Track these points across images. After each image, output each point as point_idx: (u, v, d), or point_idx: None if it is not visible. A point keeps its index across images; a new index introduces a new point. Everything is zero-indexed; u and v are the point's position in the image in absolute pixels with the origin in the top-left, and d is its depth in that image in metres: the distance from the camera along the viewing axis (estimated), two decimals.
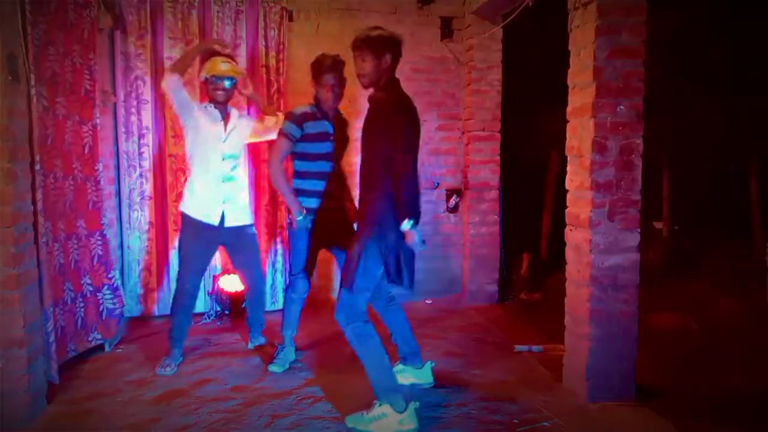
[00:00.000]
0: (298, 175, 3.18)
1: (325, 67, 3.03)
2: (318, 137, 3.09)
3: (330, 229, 3.20)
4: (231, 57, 3.39)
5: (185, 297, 3.30)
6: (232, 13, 4.25)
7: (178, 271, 3.35)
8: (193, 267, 3.32)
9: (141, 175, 4.19)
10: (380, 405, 2.57)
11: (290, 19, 4.38)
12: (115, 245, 4.08)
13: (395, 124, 2.51)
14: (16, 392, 2.53)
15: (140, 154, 4.18)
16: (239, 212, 3.36)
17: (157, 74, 4.13)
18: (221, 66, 3.25)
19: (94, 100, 3.44)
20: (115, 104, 4.10)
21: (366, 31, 2.64)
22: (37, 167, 2.74)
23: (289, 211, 3.20)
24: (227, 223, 3.28)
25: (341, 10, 4.44)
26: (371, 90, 2.66)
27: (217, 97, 3.26)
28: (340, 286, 2.64)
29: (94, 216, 3.41)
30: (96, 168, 3.45)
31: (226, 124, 3.29)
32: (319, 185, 3.15)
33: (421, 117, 4.57)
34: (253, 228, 3.52)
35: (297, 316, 3.34)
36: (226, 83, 3.25)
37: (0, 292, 2.46)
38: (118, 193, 4.18)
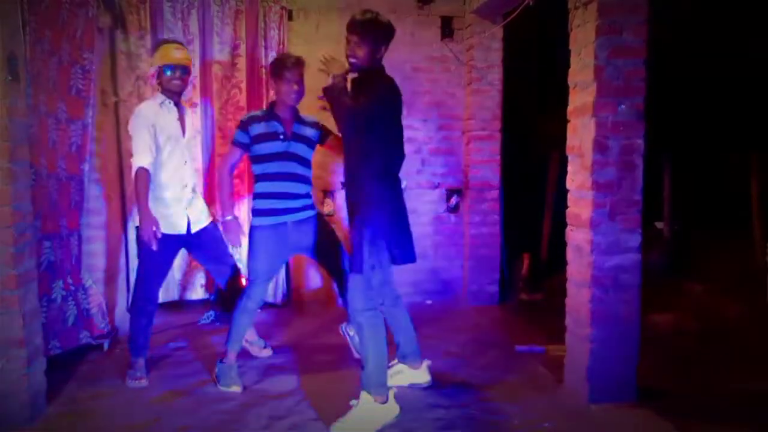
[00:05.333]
0: (257, 177, 3.09)
1: (290, 63, 3.00)
2: (266, 137, 3.00)
3: (299, 232, 3.11)
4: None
5: (150, 304, 3.13)
6: (232, 13, 4.26)
7: (142, 282, 3.10)
8: (160, 277, 3.18)
9: None
10: (361, 404, 2.59)
11: (290, 18, 4.38)
12: (122, 240, 4.14)
13: (371, 102, 2.58)
14: (16, 392, 2.52)
15: None
16: (201, 215, 3.22)
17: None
18: (175, 53, 3.04)
19: (87, 100, 3.43)
20: (116, 104, 4.10)
21: (365, 15, 2.65)
22: None
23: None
24: (193, 229, 3.15)
25: (341, 10, 4.43)
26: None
27: (173, 87, 3.04)
28: (350, 272, 2.67)
29: (74, 216, 3.40)
30: (81, 168, 3.43)
31: (183, 124, 3.14)
32: (277, 186, 3.04)
33: (422, 116, 4.64)
34: (213, 222, 3.33)
35: (245, 331, 3.15)
36: (181, 72, 3.05)
37: (0, 292, 2.46)
38: (121, 192, 4.19)
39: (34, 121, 2.94)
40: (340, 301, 3.41)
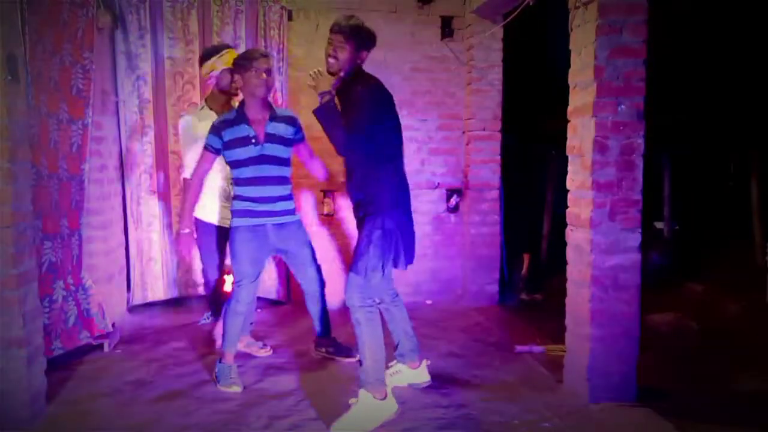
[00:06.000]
0: (235, 182, 3.04)
1: (257, 55, 2.95)
2: (238, 142, 2.92)
3: (278, 235, 3.07)
4: None
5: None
6: (232, 13, 4.26)
7: (203, 270, 3.58)
8: (213, 264, 3.48)
9: (145, 172, 4.26)
10: (360, 402, 2.59)
11: (290, 18, 4.37)
12: (121, 240, 4.21)
13: (379, 111, 2.65)
14: (16, 392, 2.52)
15: (143, 151, 4.25)
16: None
17: (158, 74, 4.17)
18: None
19: (88, 100, 3.42)
20: (117, 103, 4.11)
21: (349, 19, 2.73)
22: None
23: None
24: None
25: (341, 10, 4.41)
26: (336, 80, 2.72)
27: (233, 89, 3.26)
28: (350, 270, 2.69)
29: (75, 215, 3.40)
30: (82, 167, 3.43)
31: None
32: (254, 191, 2.96)
33: (422, 116, 4.64)
34: None
35: (238, 332, 3.11)
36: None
37: (0, 292, 2.45)
38: (122, 190, 4.22)
39: (35, 122, 2.93)
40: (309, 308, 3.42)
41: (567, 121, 2.98)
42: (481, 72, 4.55)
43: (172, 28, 4.18)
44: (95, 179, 3.73)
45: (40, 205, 2.97)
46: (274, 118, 3.00)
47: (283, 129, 3.02)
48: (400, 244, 2.72)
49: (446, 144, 4.73)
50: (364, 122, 2.59)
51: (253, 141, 2.92)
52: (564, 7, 2.95)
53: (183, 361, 3.42)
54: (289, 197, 3.11)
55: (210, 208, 3.37)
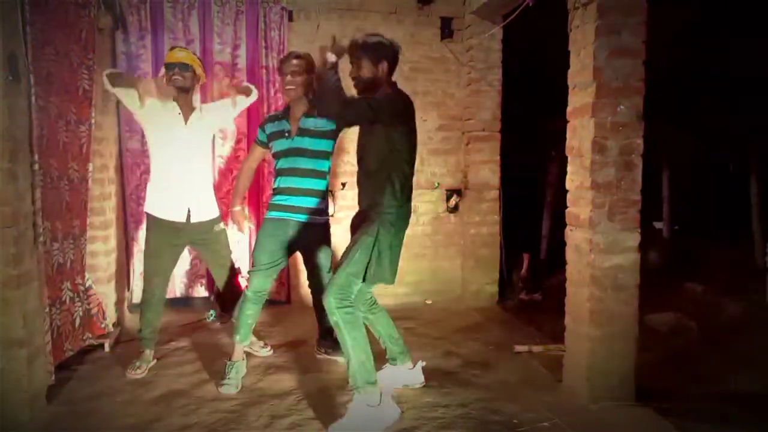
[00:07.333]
0: (275, 173, 3.22)
1: (287, 57, 3.18)
2: (276, 136, 3.16)
3: (301, 233, 3.14)
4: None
5: (152, 296, 3.25)
6: (232, 14, 4.27)
7: (145, 271, 3.30)
8: (161, 266, 3.27)
9: (145, 172, 4.27)
10: (354, 406, 2.54)
11: (290, 19, 4.38)
12: (121, 240, 4.20)
13: (401, 123, 2.64)
14: (16, 392, 2.52)
15: (144, 151, 4.24)
16: (205, 207, 3.29)
17: (158, 74, 4.17)
18: (176, 53, 3.23)
19: (92, 100, 3.43)
20: (117, 103, 4.11)
21: (364, 37, 2.74)
22: (36, 167, 2.73)
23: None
24: (193, 219, 3.24)
25: (341, 10, 4.44)
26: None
27: (173, 83, 3.17)
28: (333, 272, 2.69)
29: (84, 216, 3.41)
30: (87, 168, 3.44)
31: (186, 118, 3.23)
32: (284, 181, 3.12)
33: (422, 117, 4.64)
34: (221, 221, 3.40)
35: (250, 321, 3.12)
36: (181, 69, 3.17)
37: (0, 292, 2.46)
38: (122, 190, 4.22)
39: (45, 123, 2.93)
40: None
41: (566, 122, 2.98)
42: (481, 73, 4.56)
43: (173, 29, 4.19)
44: (96, 179, 3.73)
45: (50, 207, 2.96)
46: (308, 114, 3.15)
47: (312, 123, 3.12)
48: (387, 258, 2.65)
49: (446, 144, 4.74)
50: (368, 103, 2.58)
51: (287, 135, 3.13)
52: (563, 8, 2.96)
53: (183, 360, 3.42)
54: (321, 194, 3.18)
55: (160, 203, 3.23)
